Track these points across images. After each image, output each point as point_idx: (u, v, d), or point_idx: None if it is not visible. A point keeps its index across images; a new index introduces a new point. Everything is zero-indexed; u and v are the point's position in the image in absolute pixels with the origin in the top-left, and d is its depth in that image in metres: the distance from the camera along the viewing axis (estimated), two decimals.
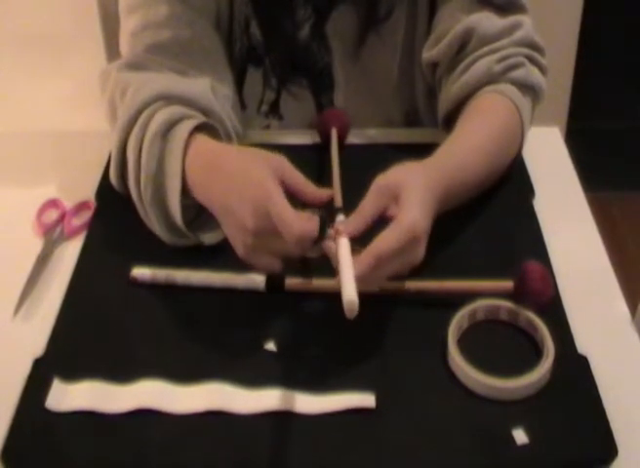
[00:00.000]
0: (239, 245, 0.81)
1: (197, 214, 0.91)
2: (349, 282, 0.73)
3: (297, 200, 0.80)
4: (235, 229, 0.81)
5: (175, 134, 0.88)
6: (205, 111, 0.93)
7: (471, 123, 0.96)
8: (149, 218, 0.90)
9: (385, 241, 0.77)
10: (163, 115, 0.89)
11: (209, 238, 0.90)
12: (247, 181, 0.80)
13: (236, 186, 0.81)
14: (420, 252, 0.79)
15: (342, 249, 0.77)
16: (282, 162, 0.82)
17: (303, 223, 0.76)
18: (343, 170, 0.95)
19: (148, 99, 0.91)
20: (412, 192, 0.80)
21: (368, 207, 0.81)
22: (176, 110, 0.90)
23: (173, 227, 0.89)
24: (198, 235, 0.90)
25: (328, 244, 0.79)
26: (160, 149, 0.88)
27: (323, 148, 1.03)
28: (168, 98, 0.92)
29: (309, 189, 0.81)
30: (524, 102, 0.99)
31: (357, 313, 0.72)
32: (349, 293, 0.72)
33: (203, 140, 0.89)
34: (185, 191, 0.87)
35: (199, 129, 0.89)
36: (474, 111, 0.98)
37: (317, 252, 0.80)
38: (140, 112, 0.90)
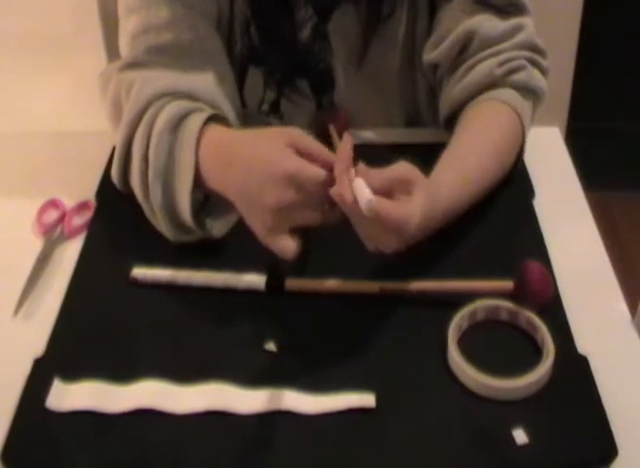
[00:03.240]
0: (259, 227, 0.81)
1: (200, 207, 0.91)
2: (364, 190, 0.75)
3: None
4: (255, 212, 0.81)
5: (185, 126, 0.88)
6: (210, 105, 0.93)
7: (471, 137, 0.96)
8: (154, 215, 0.90)
9: (383, 204, 0.77)
10: (170, 109, 0.89)
11: (214, 231, 0.90)
12: (262, 163, 0.80)
13: (252, 171, 0.81)
14: (393, 241, 0.79)
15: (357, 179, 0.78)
16: (293, 132, 0.82)
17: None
18: None
19: (153, 96, 0.91)
20: (422, 196, 0.80)
21: (383, 178, 0.80)
22: (183, 104, 0.90)
23: (178, 223, 0.89)
24: (204, 228, 0.89)
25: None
26: (170, 143, 0.88)
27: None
28: (173, 94, 0.92)
29: (324, 154, 0.81)
30: (525, 107, 0.99)
31: (374, 212, 0.74)
32: (367, 193, 0.75)
33: (214, 130, 0.88)
34: (196, 184, 0.87)
35: (209, 121, 0.89)
36: (474, 122, 0.98)
37: (335, 218, 0.80)
38: (145, 109, 0.90)
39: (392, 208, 0.77)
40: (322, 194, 0.78)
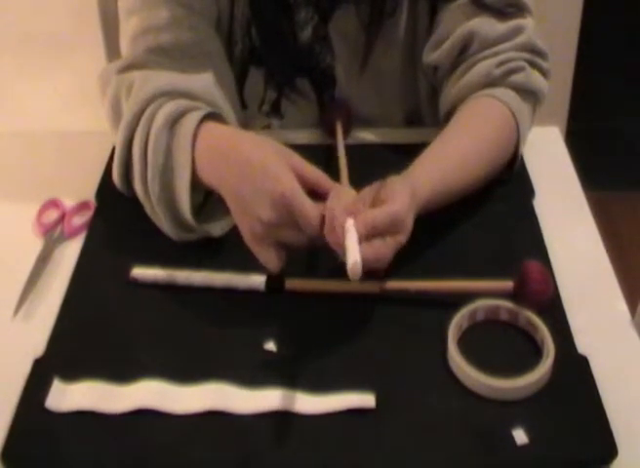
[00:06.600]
0: (247, 232, 0.82)
1: (202, 207, 0.91)
2: (354, 248, 0.76)
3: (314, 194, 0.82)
4: (246, 217, 0.82)
5: (182, 125, 0.88)
6: (209, 105, 0.93)
7: (461, 128, 0.96)
8: (156, 215, 0.90)
9: (375, 214, 0.79)
10: (168, 108, 0.89)
11: (216, 230, 0.90)
12: (266, 174, 0.80)
13: (252, 176, 0.81)
14: (398, 243, 0.80)
15: (350, 228, 0.78)
16: (296, 157, 0.83)
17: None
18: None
19: (152, 95, 0.91)
20: (402, 194, 0.81)
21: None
22: (181, 103, 0.90)
23: (180, 222, 0.89)
24: (205, 228, 0.90)
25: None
26: (167, 142, 0.88)
27: (324, 147, 1.04)
28: (171, 93, 0.92)
29: (329, 184, 0.83)
30: (522, 107, 0.99)
31: (360, 276, 0.74)
32: (354, 256, 0.75)
33: (212, 127, 0.89)
34: (194, 182, 0.87)
35: (206, 119, 0.89)
36: (466, 116, 0.98)
37: (323, 242, 0.81)
38: (144, 108, 0.91)
39: (376, 215, 0.79)
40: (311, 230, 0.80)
